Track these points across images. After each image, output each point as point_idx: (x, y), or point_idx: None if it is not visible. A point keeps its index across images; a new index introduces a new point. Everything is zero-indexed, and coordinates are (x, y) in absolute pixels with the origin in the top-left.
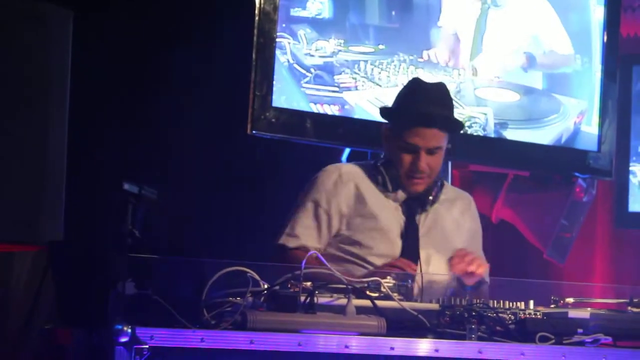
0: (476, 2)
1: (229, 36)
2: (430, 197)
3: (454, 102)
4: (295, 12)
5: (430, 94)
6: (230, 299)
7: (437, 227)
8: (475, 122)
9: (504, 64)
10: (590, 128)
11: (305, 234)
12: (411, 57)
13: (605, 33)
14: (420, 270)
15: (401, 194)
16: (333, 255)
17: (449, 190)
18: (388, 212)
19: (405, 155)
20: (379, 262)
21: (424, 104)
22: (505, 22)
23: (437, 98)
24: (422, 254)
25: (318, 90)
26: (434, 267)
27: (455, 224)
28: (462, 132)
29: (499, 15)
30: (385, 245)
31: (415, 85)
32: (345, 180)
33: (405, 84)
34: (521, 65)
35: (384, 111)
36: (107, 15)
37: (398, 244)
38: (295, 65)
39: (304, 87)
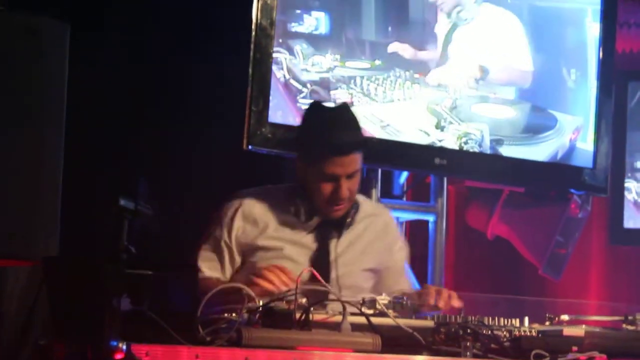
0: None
1: (226, 52)
2: (348, 220)
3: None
4: (292, 27)
5: (337, 120)
6: (226, 315)
7: (354, 246)
8: (471, 139)
9: (459, 75)
10: (586, 145)
11: (208, 266)
12: (407, 73)
13: (601, 49)
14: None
15: (314, 221)
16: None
17: (367, 207)
18: (294, 242)
19: (325, 184)
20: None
21: (335, 132)
22: (467, 36)
23: (345, 122)
24: (333, 274)
25: None
26: (351, 282)
27: (374, 239)
28: (458, 148)
29: (464, 30)
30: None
31: (319, 113)
32: (246, 212)
33: (306, 110)
34: (474, 77)
35: (292, 143)
36: (104, 28)
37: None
38: (292, 81)
39: (300, 103)
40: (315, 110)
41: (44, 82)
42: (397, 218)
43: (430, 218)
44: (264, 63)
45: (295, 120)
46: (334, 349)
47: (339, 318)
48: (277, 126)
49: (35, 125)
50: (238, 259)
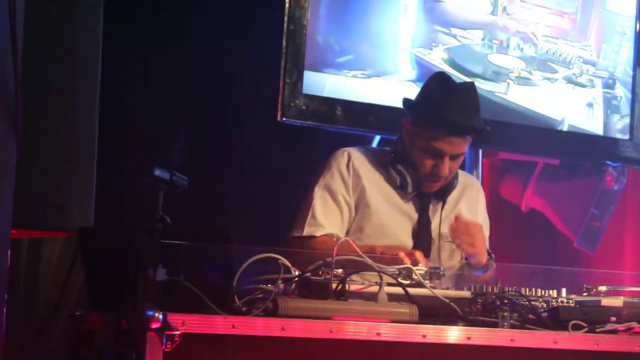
0: None
1: (260, 23)
2: (448, 196)
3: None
4: None
5: (461, 99)
6: (262, 285)
7: (454, 211)
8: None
9: None
10: (622, 116)
11: (328, 222)
12: None
13: (638, 22)
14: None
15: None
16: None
17: (462, 179)
18: (397, 207)
19: (427, 158)
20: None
21: (455, 111)
22: None
23: (467, 104)
24: (434, 247)
25: None
26: (446, 254)
27: (469, 212)
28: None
29: None
30: (392, 242)
31: (444, 86)
32: (354, 165)
33: (431, 77)
34: None
35: (408, 104)
36: (138, 3)
37: (408, 240)
38: None
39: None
40: (442, 80)
41: (79, 52)
42: None
43: None
44: (298, 35)
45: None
46: (370, 319)
47: (375, 288)
48: (311, 98)
49: (70, 96)
50: (353, 212)
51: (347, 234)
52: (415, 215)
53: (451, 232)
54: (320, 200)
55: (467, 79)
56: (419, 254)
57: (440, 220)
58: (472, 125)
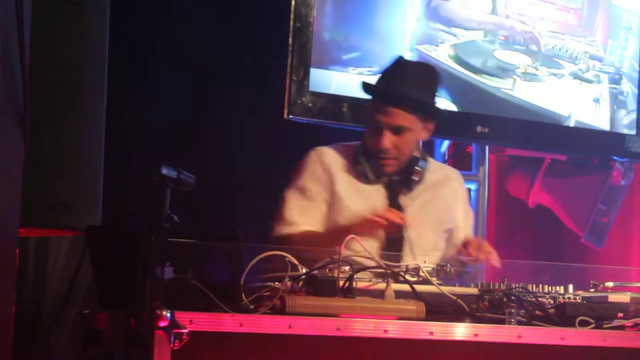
0: None
1: (267, 21)
2: (414, 177)
3: (434, 86)
4: None
5: (407, 73)
6: (269, 283)
7: (429, 207)
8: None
9: None
10: (629, 111)
11: (303, 220)
12: None
13: None
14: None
15: (383, 179)
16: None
17: (436, 169)
18: (365, 197)
19: (372, 134)
20: None
21: (393, 82)
22: None
23: (412, 78)
24: (413, 233)
25: None
26: (425, 244)
27: (446, 205)
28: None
29: None
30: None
31: (395, 64)
32: (322, 160)
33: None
34: None
35: (364, 86)
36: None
37: (381, 232)
38: None
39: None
40: (396, 60)
41: (86, 51)
42: None
43: (472, 186)
44: (304, 32)
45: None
46: (377, 317)
47: (382, 285)
48: (317, 95)
49: (77, 95)
50: (324, 210)
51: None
52: (385, 202)
53: (468, 253)
54: (294, 201)
55: (474, 76)
56: (389, 212)
57: (411, 206)
58: (402, 94)
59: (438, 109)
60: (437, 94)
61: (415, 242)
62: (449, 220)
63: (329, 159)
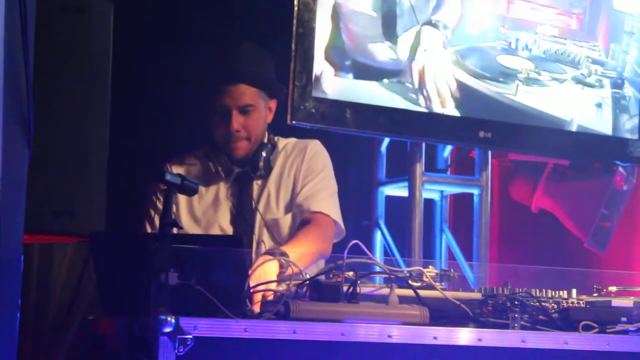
0: None
1: (268, 26)
2: (261, 163)
3: (270, 63)
4: None
5: (241, 51)
6: (273, 289)
7: (273, 183)
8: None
9: None
10: (631, 116)
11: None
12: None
13: None
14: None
15: (235, 173)
16: None
17: (288, 148)
18: (216, 198)
19: (219, 123)
20: None
21: (230, 61)
22: None
23: (248, 55)
24: (258, 218)
25: None
26: (271, 224)
27: (288, 175)
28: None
29: None
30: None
31: (228, 46)
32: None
33: None
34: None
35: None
36: (147, 6)
37: (227, 225)
38: None
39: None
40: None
41: (90, 59)
42: (442, 191)
43: (475, 191)
44: (307, 38)
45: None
46: (381, 322)
47: (386, 291)
48: (320, 100)
49: (81, 101)
50: None
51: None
52: (234, 199)
53: None
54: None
55: (476, 81)
56: None
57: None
58: (243, 70)
59: (279, 85)
60: (273, 70)
61: (265, 222)
62: (292, 189)
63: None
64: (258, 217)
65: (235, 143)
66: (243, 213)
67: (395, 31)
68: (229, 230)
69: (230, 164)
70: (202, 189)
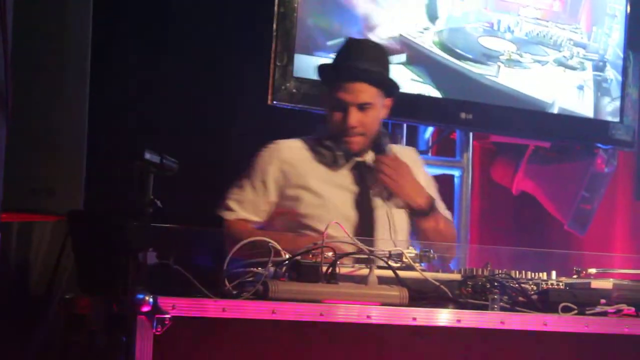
0: None
1: (250, 5)
2: (387, 147)
3: (388, 61)
4: None
5: (361, 49)
6: (252, 269)
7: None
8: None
9: None
10: (612, 98)
11: (241, 207)
12: None
13: (628, 4)
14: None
15: (350, 163)
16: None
17: (395, 150)
18: (335, 185)
19: (336, 113)
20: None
21: (352, 58)
22: None
23: (368, 53)
24: (381, 212)
25: None
26: (397, 221)
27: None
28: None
29: None
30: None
31: (348, 43)
32: (282, 156)
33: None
34: None
35: (319, 69)
36: None
37: (351, 212)
38: None
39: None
40: (347, 40)
41: (70, 38)
42: None
43: (456, 173)
44: (288, 18)
45: None
46: (360, 302)
47: (365, 271)
48: (302, 81)
49: (60, 80)
50: (274, 199)
51: (273, 217)
52: (355, 188)
53: (377, 164)
54: (235, 190)
55: (458, 62)
56: None
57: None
58: (364, 69)
59: (397, 84)
60: (390, 69)
61: (393, 221)
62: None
63: (288, 154)
64: (380, 206)
65: (351, 137)
66: (364, 202)
67: None
68: (352, 216)
69: (351, 153)
70: (322, 173)
